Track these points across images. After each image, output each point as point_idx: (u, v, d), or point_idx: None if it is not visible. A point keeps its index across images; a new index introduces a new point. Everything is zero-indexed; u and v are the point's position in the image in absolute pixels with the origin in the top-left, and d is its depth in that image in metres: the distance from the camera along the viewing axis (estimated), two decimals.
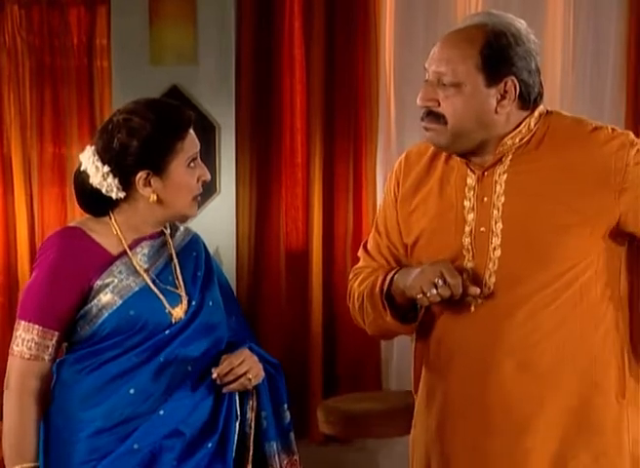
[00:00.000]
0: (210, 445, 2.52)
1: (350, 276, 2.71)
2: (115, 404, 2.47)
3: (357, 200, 5.17)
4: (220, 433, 2.53)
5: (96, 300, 2.48)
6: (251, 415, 2.60)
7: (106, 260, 2.51)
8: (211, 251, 2.73)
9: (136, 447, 2.46)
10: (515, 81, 2.42)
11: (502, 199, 2.46)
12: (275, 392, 2.63)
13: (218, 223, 5.00)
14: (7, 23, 5.27)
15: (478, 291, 2.40)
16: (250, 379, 2.54)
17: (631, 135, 2.47)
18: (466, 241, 2.48)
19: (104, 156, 2.49)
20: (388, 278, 2.53)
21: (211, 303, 2.59)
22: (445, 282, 2.37)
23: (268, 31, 5.18)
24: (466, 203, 2.50)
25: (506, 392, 2.44)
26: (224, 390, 2.53)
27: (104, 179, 2.49)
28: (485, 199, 2.48)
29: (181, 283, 2.56)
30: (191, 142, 2.52)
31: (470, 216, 2.49)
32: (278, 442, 2.63)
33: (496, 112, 2.43)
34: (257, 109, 5.19)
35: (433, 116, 2.45)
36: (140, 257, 2.55)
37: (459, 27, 2.49)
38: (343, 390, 5.11)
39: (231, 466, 2.56)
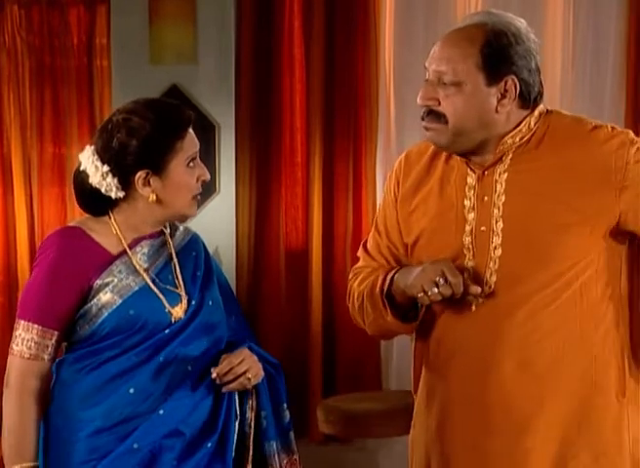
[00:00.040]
0: (209, 444, 2.52)
1: (350, 276, 2.70)
2: (115, 403, 2.47)
3: (357, 199, 5.17)
4: (220, 433, 2.53)
5: (95, 300, 2.48)
6: (250, 415, 2.60)
7: (106, 260, 2.51)
8: (210, 250, 2.73)
9: (135, 446, 2.46)
10: (515, 80, 2.42)
11: (503, 198, 2.46)
12: (275, 391, 2.63)
13: (217, 223, 4.99)
14: (7, 23, 5.27)
15: (479, 289, 2.40)
16: (249, 379, 2.53)
17: (631, 133, 2.47)
18: (467, 240, 2.48)
19: (104, 156, 2.49)
20: (389, 277, 2.52)
21: (210, 303, 2.59)
22: (446, 280, 2.37)
23: (268, 31, 5.17)
24: (467, 202, 2.50)
25: (507, 392, 2.44)
26: (224, 389, 2.53)
27: (104, 179, 2.49)
28: (485, 198, 2.47)
29: (181, 282, 2.56)
30: (191, 142, 2.52)
31: (471, 216, 2.49)
32: (278, 441, 2.63)
33: (496, 111, 2.43)
34: (256, 109, 5.19)
35: (434, 115, 2.45)
36: (139, 257, 2.54)
37: (459, 26, 2.49)
38: (343, 390, 5.11)
39: (231, 466, 2.56)
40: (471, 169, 2.51)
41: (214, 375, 2.51)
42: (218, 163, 5.09)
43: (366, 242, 2.71)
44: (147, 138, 2.47)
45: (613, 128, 2.47)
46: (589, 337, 2.44)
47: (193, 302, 2.55)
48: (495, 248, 2.45)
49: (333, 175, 5.18)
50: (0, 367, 2.66)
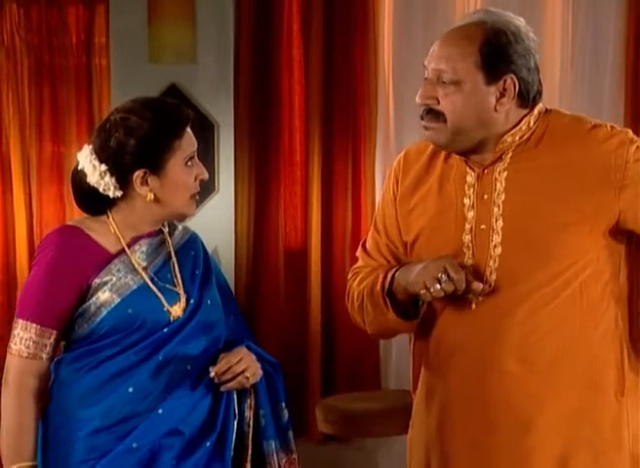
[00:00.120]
0: (208, 443, 2.52)
1: (349, 276, 2.70)
2: (114, 402, 2.47)
3: (356, 198, 5.16)
4: (219, 432, 2.53)
5: (94, 299, 2.48)
6: (249, 414, 2.60)
7: (105, 258, 2.51)
8: (209, 250, 2.73)
9: (135, 445, 2.46)
10: (514, 79, 2.42)
11: (503, 196, 2.46)
12: (273, 391, 2.63)
13: (216, 222, 4.99)
14: (6, 22, 5.26)
15: (481, 285, 2.40)
16: (247, 378, 2.53)
17: (630, 132, 2.47)
18: (467, 238, 2.48)
19: (102, 155, 2.49)
20: (389, 275, 2.52)
21: (209, 302, 2.58)
22: (448, 277, 2.37)
23: (267, 30, 5.17)
24: (466, 201, 2.50)
25: (508, 390, 2.44)
26: (222, 388, 2.53)
27: (102, 178, 2.49)
28: (485, 196, 2.47)
29: (180, 281, 2.56)
30: (189, 141, 2.52)
31: (470, 214, 2.48)
32: (276, 440, 2.63)
33: (495, 110, 2.43)
34: (255, 108, 5.18)
35: (433, 114, 2.45)
36: (138, 255, 2.54)
37: (458, 25, 2.49)
38: (342, 389, 5.11)
39: (230, 465, 2.56)
40: (471, 167, 2.51)
41: (212, 374, 2.51)
42: (217, 162, 5.09)
43: (365, 242, 2.71)
44: (145, 138, 2.47)
45: (612, 127, 2.47)
46: (589, 336, 2.44)
47: (192, 301, 2.55)
48: (494, 246, 2.45)
49: (332, 174, 5.18)
50: None
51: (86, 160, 2.51)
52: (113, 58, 5.15)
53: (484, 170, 2.49)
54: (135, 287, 2.50)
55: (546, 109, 2.52)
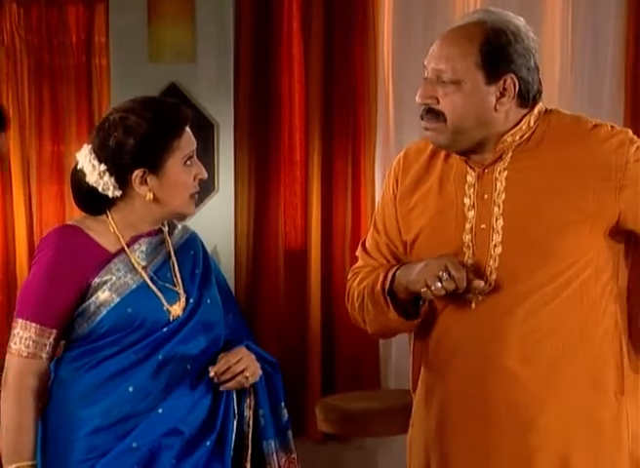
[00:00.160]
0: (208, 443, 2.52)
1: (349, 276, 2.70)
2: (114, 402, 2.47)
3: (356, 198, 5.16)
4: (219, 431, 2.53)
5: (93, 298, 2.48)
6: (249, 414, 2.60)
7: (104, 258, 2.51)
8: (209, 249, 2.73)
9: (134, 445, 2.46)
10: (514, 78, 2.42)
11: (503, 196, 2.46)
12: (273, 390, 2.63)
13: (216, 222, 4.99)
14: (5, 22, 5.27)
15: (482, 283, 2.40)
16: (247, 377, 2.53)
17: (630, 132, 2.48)
18: (467, 238, 2.48)
19: (101, 154, 2.49)
20: (390, 274, 2.52)
21: (209, 301, 2.58)
22: (450, 275, 2.37)
23: (267, 29, 5.17)
24: (466, 200, 2.50)
25: (508, 390, 2.43)
26: (221, 388, 2.53)
27: (101, 178, 2.49)
28: (485, 196, 2.47)
29: (179, 280, 2.56)
30: (188, 140, 2.52)
31: (471, 214, 2.48)
32: (276, 440, 2.63)
33: (495, 110, 2.43)
34: (255, 107, 5.18)
35: (433, 114, 2.45)
36: (137, 254, 2.54)
37: (458, 25, 2.49)
38: (342, 388, 5.10)
39: (229, 464, 2.56)
40: (471, 167, 2.51)
41: (211, 374, 2.51)
42: (216, 161, 5.09)
43: (364, 242, 2.71)
44: (144, 137, 2.46)
45: (612, 127, 2.48)
46: (589, 336, 2.44)
47: (191, 300, 2.55)
48: (495, 245, 2.45)
49: (332, 173, 5.18)
50: None
51: (85, 159, 2.51)
52: (113, 58, 5.15)
53: (484, 169, 2.49)
54: (134, 286, 2.50)
55: (546, 109, 2.52)
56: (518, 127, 2.47)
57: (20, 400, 2.48)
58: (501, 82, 2.42)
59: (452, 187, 2.52)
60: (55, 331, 2.49)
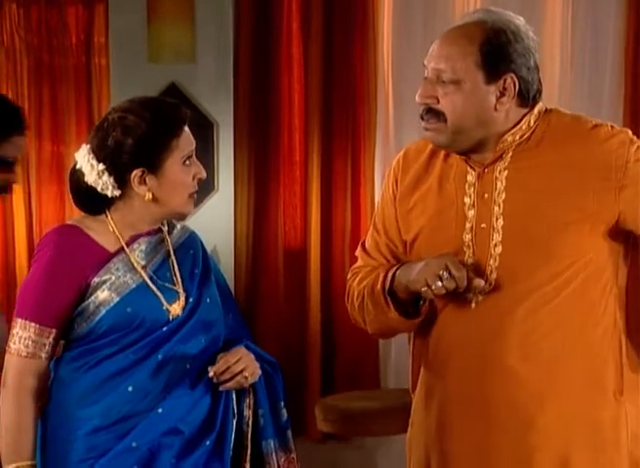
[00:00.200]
0: (208, 442, 2.52)
1: (349, 276, 2.70)
2: (113, 401, 2.47)
3: (355, 197, 5.16)
4: (218, 431, 2.53)
5: (93, 297, 2.48)
6: (248, 413, 2.60)
7: (104, 257, 2.51)
8: (209, 249, 2.73)
9: (134, 445, 2.46)
10: (514, 78, 2.42)
11: (503, 195, 2.46)
12: (272, 390, 2.63)
13: (216, 221, 4.99)
14: (5, 22, 5.26)
15: (482, 282, 2.40)
16: (246, 377, 2.53)
17: (630, 132, 2.48)
18: (467, 237, 2.48)
19: (99, 154, 2.49)
20: (390, 274, 2.52)
21: (208, 300, 2.58)
22: (450, 274, 2.37)
23: (267, 29, 5.17)
24: (467, 199, 2.50)
25: (508, 389, 2.43)
26: (221, 388, 2.53)
27: (99, 177, 2.49)
28: (485, 195, 2.47)
29: (179, 280, 2.56)
30: (186, 140, 2.52)
31: (471, 213, 2.48)
32: (275, 440, 2.63)
33: (495, 109, 2.43)
34: (255, 107, 5.18)
35: (432, 114, 2.45)
36: (137, 254, 2.54)
37: (458, 24, 2.49)
38: (341, 388, 5.10)
39: (229, 464, 2.56)
40: (471, 166, 2.51)
41: (211, 374, 2.51)
42: (216, 161, 5.09)
43: (364, 241, 2.71)
44: (143, 137, 2.46)
45: (612, 126, 2.48)
46: (589, 335, 2.44)
47: (191, 300, 2.55)
48: (495, 245, 2.45)
49: (331, 173, 5.18)
50: None
51: (84, 159, 2.51)
52: (113, 58, 5.15)
53: (484, 169, 2.49)
54: (134, 285, 2.50)
55: (546, 109, 2.52)
56: (518, 126, 2.47)
57: (19, 400, 2.48)
58: (501, 81, 2.42)
59: (452, 187, 2.52)
60: (54, 330, 2.49)
